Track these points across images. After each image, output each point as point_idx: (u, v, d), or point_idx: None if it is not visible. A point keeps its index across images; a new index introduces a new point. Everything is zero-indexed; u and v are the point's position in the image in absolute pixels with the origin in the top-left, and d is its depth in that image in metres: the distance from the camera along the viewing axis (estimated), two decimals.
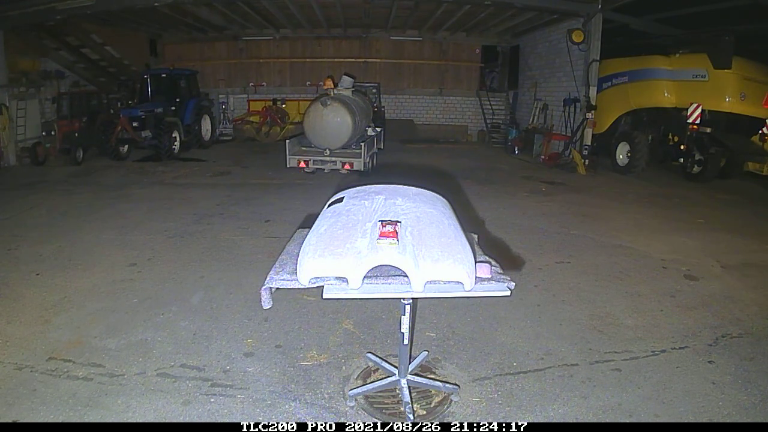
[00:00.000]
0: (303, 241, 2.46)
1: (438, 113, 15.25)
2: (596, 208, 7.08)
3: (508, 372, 3.00)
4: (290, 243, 2.78)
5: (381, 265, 2.18)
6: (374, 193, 2.70)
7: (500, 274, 2.40)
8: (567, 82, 11.13)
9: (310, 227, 2.69)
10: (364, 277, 2.16)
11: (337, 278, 2.20)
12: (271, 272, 2.42)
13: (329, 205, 2.70)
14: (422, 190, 2.80)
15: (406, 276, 2.16)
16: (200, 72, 13.44)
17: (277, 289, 2.39)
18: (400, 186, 2.80)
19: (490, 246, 4.74)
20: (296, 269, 2.31)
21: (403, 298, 2.45)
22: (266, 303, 2.39)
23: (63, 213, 6.38)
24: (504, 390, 2.83)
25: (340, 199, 2.69)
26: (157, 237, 5.43)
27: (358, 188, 2.81)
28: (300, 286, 2.27)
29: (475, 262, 2.28)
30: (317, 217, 2.70)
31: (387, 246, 2.19)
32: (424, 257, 2.18)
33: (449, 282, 2.21)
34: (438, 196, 2.80)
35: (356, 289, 2.17)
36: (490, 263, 2.43)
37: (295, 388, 2.81)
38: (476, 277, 2.25)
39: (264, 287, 2.37)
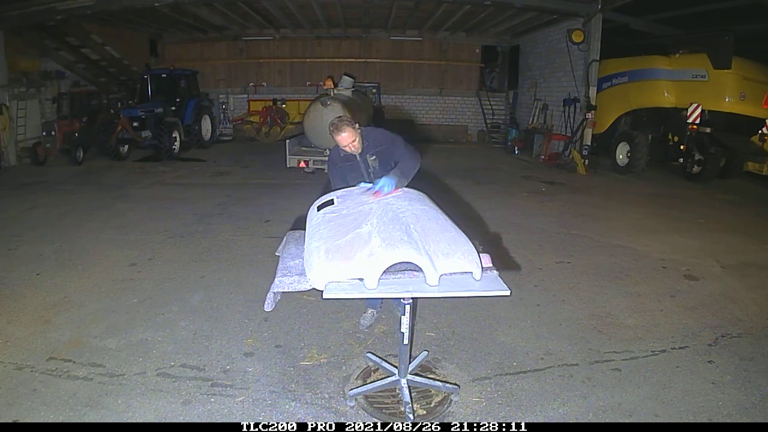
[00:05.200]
0: (306, 245, 2.47)
1: (438, 113, 15.24)
2: (596, 208, 7.08)
3: (508, 372, 3.00)
4: (287, 245, 2.79)
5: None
6: (361, 193, 2.76)
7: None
8: (567, 82, 11.12)
9: (303, 229, 2.71)
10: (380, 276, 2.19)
11: (353, 279, 2.22)
12: (278, 275, 2.42)
13: (319, 208, 2.72)
14: (406, 188, 2.88)
15: (419, 270, 2.21)
16: (200, 72, 13.43)
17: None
18: None
19: (490, 245, 4.74)
20: (305, 272, 2.33)
21: (403, 298, 2.46)
22: (270, 305, 2.45)
23: (63, 213, 6.38)
24: (504, 390, 2.83)
25: (331, 201, 2.71)
26: (157, 237, 5.43)
27: (343, 190, 2.86)
28: (312, 288, 2.29)
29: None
30: (307, 220, 2.71)
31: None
32: (435, 252, 2.25)
33: (461, 273, 2.27)
34: (420, 193, 2.87)
35: (373, 289, 2.19)
36: (488, 254, 2.54)
37: (295, 388, 2.81)
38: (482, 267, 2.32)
39: (275, 291, 2.39)
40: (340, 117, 3.02)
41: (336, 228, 2.42)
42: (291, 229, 3.15)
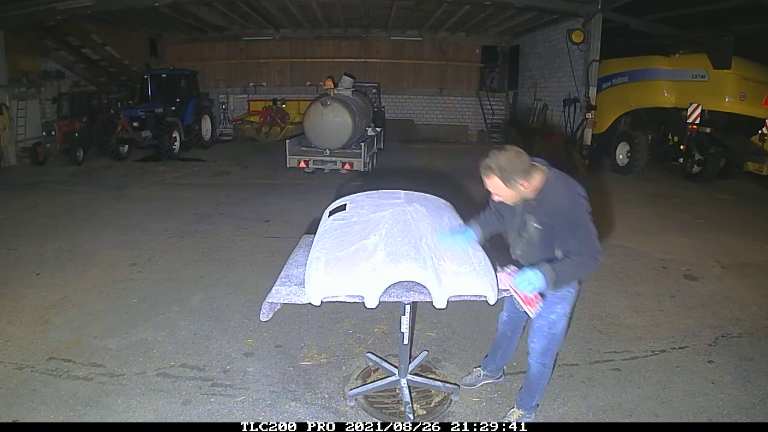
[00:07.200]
0: (310, 253, 2.30)
1: (438, 113, 15.24)
2: (596, 208, 7.05)
3: (508, 372, 2.99)
4: (298, 250, 2.66)
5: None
6: (378, 198, 2.65)
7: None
8: (567, 82, 11.12)
9: (315, 233, 2.56)
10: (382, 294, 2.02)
11: (350, 296, 2.05)
12: (276, 283, 2.28)
13: (331, 213, 2.61)
14: (426, 194, 2.76)
15: (425, 288, 2.02)
16: (200, 72, 13.42)
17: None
18: (403, 191, 2.74)
19: (490, 245, 4.73)
20: (303, 283, 2.19)
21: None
22: (265, 315, 2.28)
23: (63, 213, 6.38)
24: (504, 390, 2.84)
25: (343, 206, 2.60)
26: (157, 237, 5.43)
27: (359, 195, 2.73)
28: (308, 302, 2.14)
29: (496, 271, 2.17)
30: (319, 224, 2.61)
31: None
32: (444, 271, 2.05)
33: (473, 297, 2.08)
34: (442, 200, 2.78)
35: (373, 308, 2.03)
36: (507, 270, 2.19)
37: (295, 388, 2.81)
38: (499, 289, 2.10)
39: (271, 301, 2.25)
40: (493, 159, 2.11)
41: (341, 237, 2.25)
42: (306, 233, 2.99)
